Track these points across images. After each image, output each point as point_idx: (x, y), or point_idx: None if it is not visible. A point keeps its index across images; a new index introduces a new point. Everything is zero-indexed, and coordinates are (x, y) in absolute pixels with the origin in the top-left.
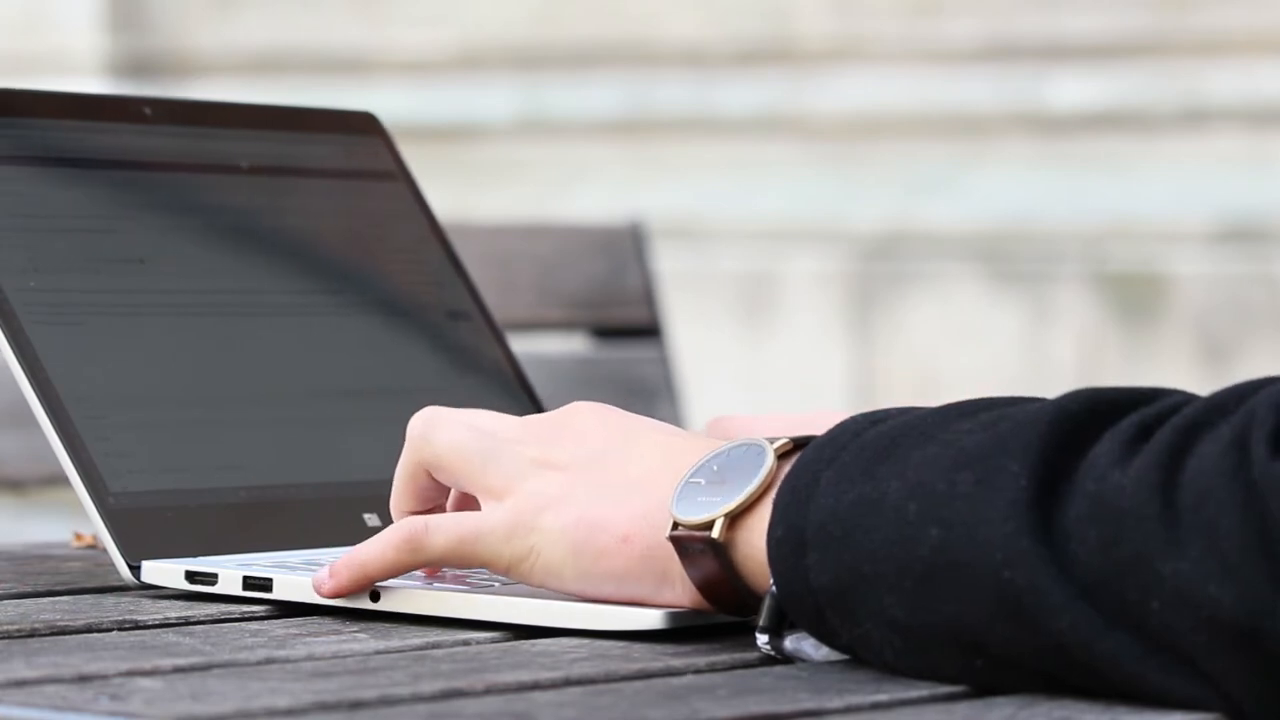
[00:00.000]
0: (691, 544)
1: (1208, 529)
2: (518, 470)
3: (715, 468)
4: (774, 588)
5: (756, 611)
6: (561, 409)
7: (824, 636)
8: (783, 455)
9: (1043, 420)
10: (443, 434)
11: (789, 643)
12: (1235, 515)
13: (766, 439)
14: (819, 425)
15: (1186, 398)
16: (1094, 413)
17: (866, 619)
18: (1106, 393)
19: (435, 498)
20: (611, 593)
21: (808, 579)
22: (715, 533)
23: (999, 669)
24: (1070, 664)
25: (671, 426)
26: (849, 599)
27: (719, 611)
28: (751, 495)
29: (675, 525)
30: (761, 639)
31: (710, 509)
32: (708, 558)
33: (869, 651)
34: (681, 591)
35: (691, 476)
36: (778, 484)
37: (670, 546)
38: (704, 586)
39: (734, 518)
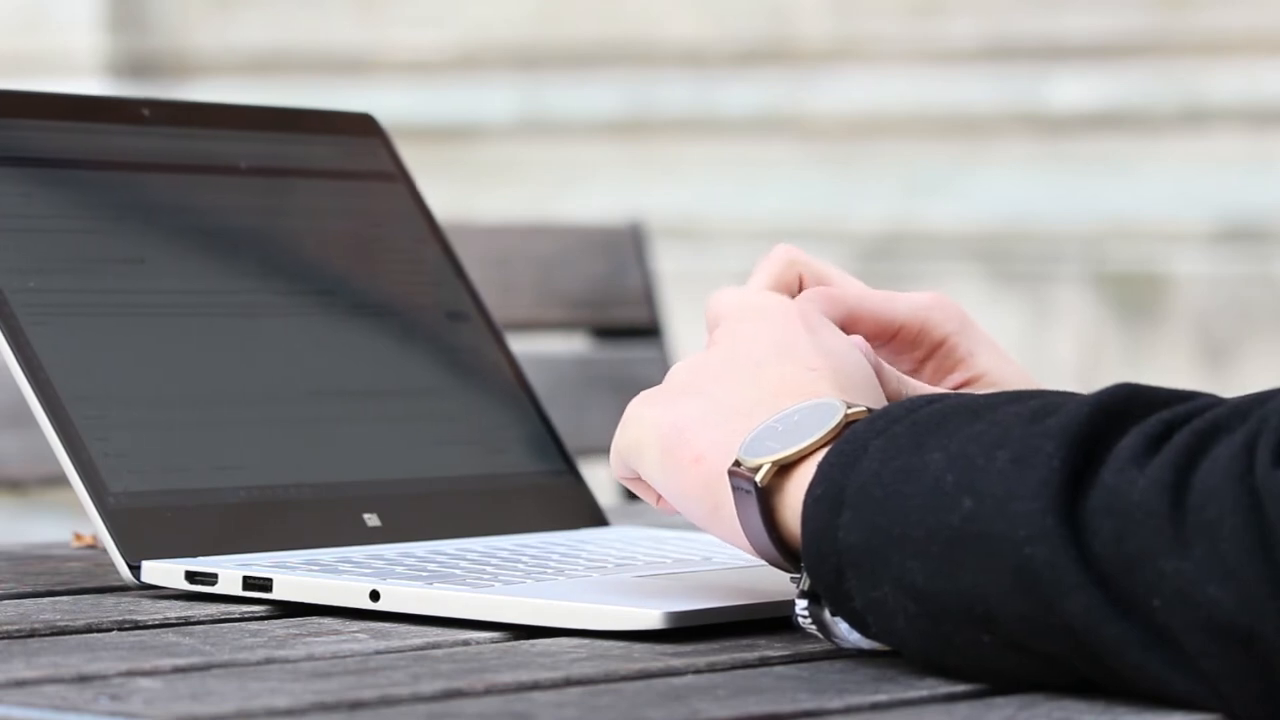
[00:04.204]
0: (740, 481)
1: (1211, 530)
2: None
3: (795, 418)
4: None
5: (785, 568)
6: (774, 303)
7: (837, 601)
8: (854, 422)
9: (1084, 410)
10: (621, 459)
11: (828, 612)
12: (1238, 519)
13: (844, 402)
14: (939, 305)
15: (1216, 401)
16: (1129, 408)
17: (886, 582)
18: (1145, 390)
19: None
20: (684, 508)
21: (836, 537)
22: (760, 477)
23: (1006, 650)
24: (1077, 647)
25: (833, 353)
26: (872, 560)
27: (755, 555)
28: (803, 450)
29: (737, 462)
30: (800, 604)
31: (767, 454)
32: (751, 499)
33: (881, 618)
34: (729, 529)
35: (773, 420)
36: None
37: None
38: (746, 529)
39: (783, 468)
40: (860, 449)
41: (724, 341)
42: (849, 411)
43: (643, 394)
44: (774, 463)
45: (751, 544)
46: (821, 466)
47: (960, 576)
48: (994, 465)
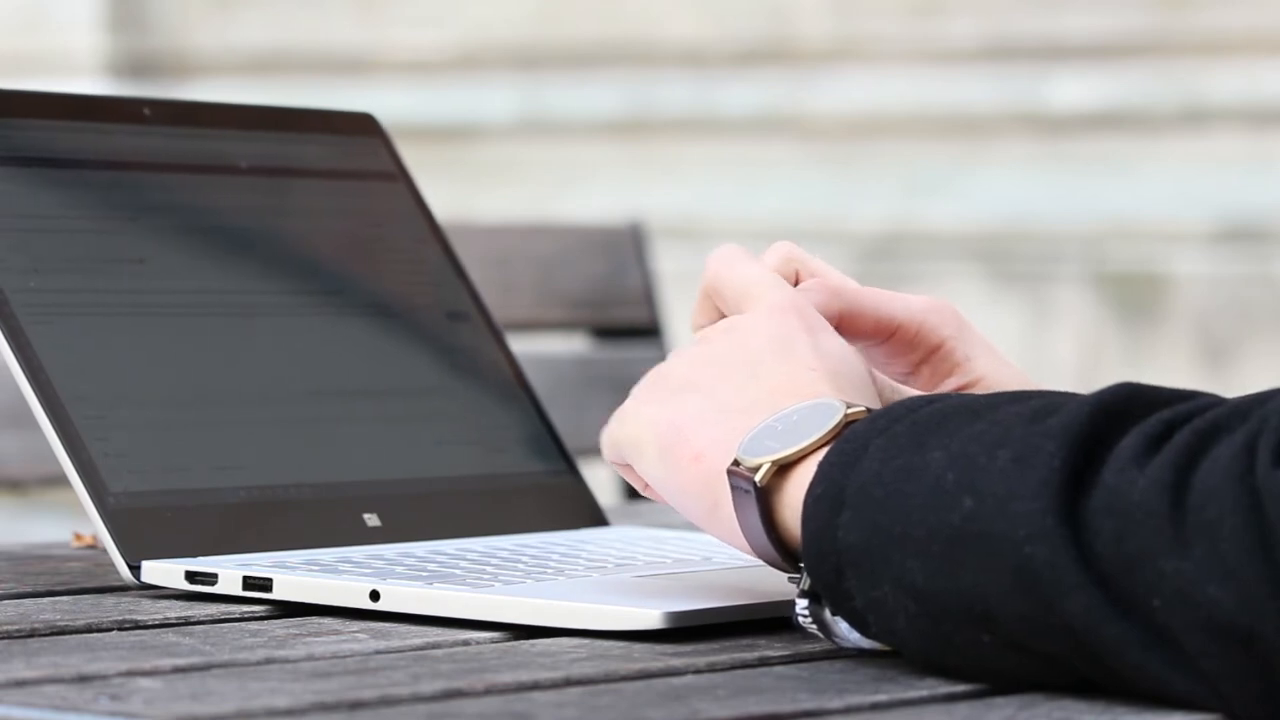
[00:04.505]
0: (739, 480)
1: (1211, 530)
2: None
3: (795, 418)
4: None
5: (784, 567)
6: (768, 300)
7: (837, 601)
8: (854, 422)
9: (1084, 409)
10: (617, 450)
11: (829, 612)
12: (1238, 518)
13: (844, 402)
14: (935, 309)
15: (1217, 401)
16: (1129, 408)
17: (886, 581)
18: (1145, 390)
19: None
20: (681, 505)
21: (836, 537)
22: (759, 476)
23: (1006, 650)
24: (1077, 647)
25: (830, 354)
26: (872, 559)
27: (753, 555)
28: (803, 450)
29: (736, 461)
30: (801, 604)
31: (766, 453)
32: (749, 499)
33: (881, 616)
34: (727, 529)
35: (773, 420)
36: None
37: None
38: (744, 528)
39: (782, 468)
40: (861, 448)
41: (721, 338)
42: (848, 411)
43: (641, 387)
44: (773, 462)
45: (749, 543)
46: (822, 466)
47: (960, 576)
48: (995, 465)
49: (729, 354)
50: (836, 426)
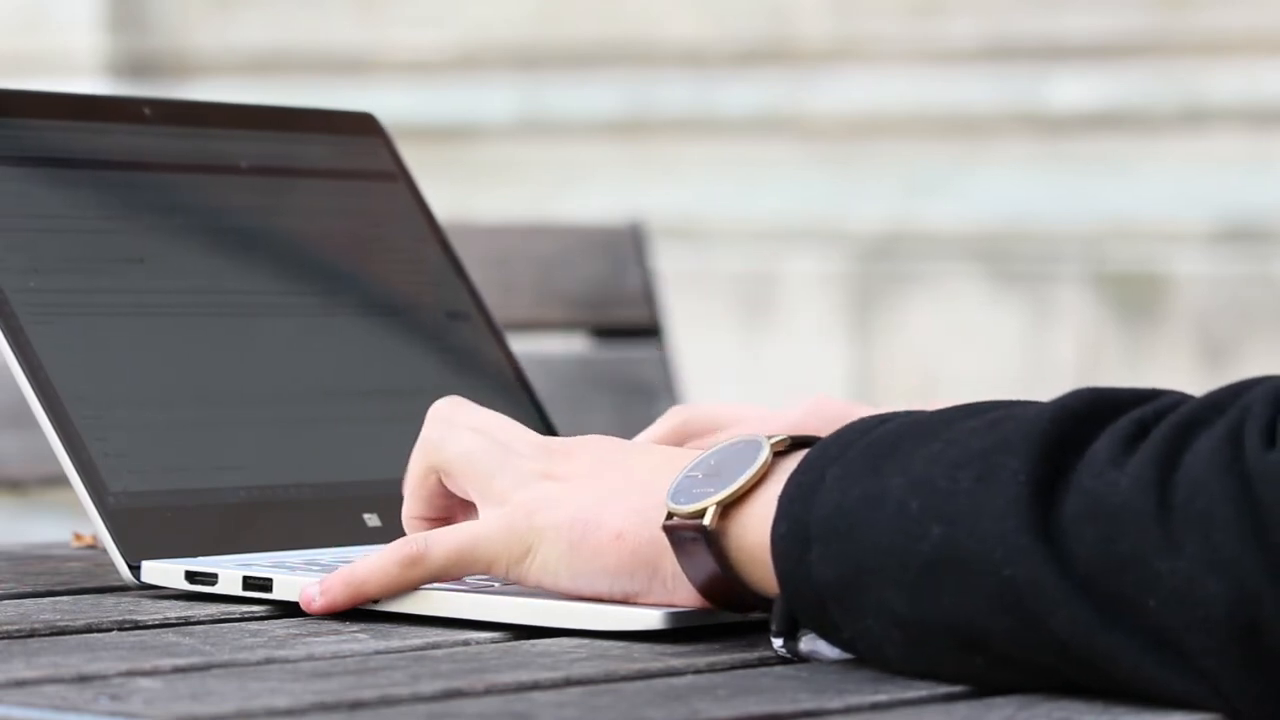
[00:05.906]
0: (683, 532)
1: (1202, 523)
2: (519, 480)
3: (713, 462)
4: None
5: (751, 607)
6: (580, 437)
7: (826, 632)
8: (780, 453)
9: (1044, 418)
10: (455, 443)
11: (804, 644)
12: (1230, 508)
13: (765, 435)
14: (810, 412)
15: (1184, 397)
16: (1095, 411)
17: (868, 614)
18: (1108, 392)
19: (446, 506)
20: (605, 590)
21: (811, 573)
22: (707, 521)
23: (998, 666)
24: (1070, 659)
25: (679, 449)
26: (851, 593)
27: (713, 606)
28: (744, 485)
29: (670, 516)
30: (777, 642)
31: (703, 498)
32: (700, 547)
33: (870, 648)
34: (674, 587)
35: (689, 471)
36: (780, 479)
37: (663, 542)
38: (696, 579)
39: (727, 507)
40: (818, 478)
41: (571, 457)
42: (773, 441)
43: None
44: (718, 503)
45: (702, 592)
46: (781, 501)
47: (942, 604)
48: (958, 487)
49: (590, 460)
50: (766, 459)
